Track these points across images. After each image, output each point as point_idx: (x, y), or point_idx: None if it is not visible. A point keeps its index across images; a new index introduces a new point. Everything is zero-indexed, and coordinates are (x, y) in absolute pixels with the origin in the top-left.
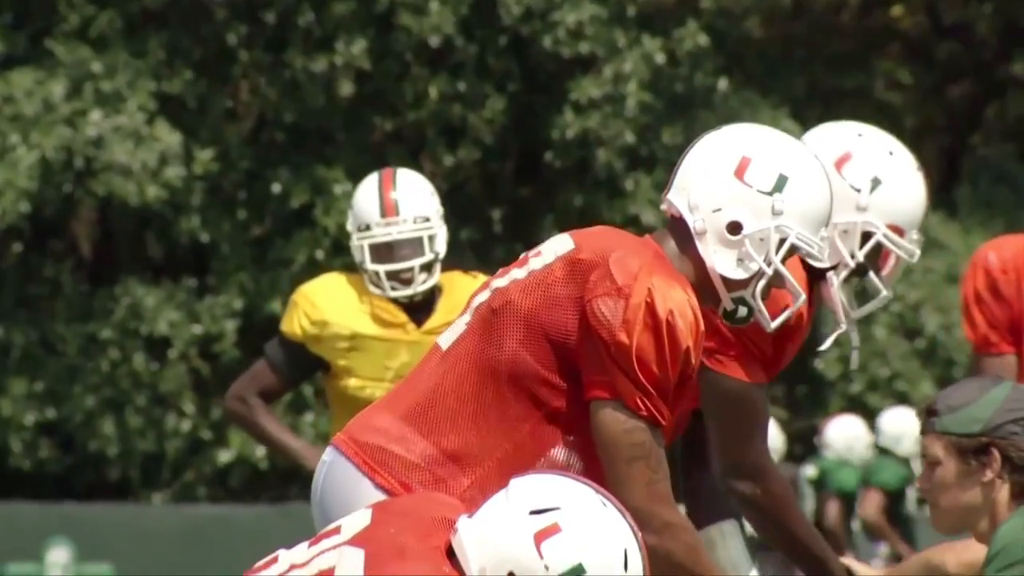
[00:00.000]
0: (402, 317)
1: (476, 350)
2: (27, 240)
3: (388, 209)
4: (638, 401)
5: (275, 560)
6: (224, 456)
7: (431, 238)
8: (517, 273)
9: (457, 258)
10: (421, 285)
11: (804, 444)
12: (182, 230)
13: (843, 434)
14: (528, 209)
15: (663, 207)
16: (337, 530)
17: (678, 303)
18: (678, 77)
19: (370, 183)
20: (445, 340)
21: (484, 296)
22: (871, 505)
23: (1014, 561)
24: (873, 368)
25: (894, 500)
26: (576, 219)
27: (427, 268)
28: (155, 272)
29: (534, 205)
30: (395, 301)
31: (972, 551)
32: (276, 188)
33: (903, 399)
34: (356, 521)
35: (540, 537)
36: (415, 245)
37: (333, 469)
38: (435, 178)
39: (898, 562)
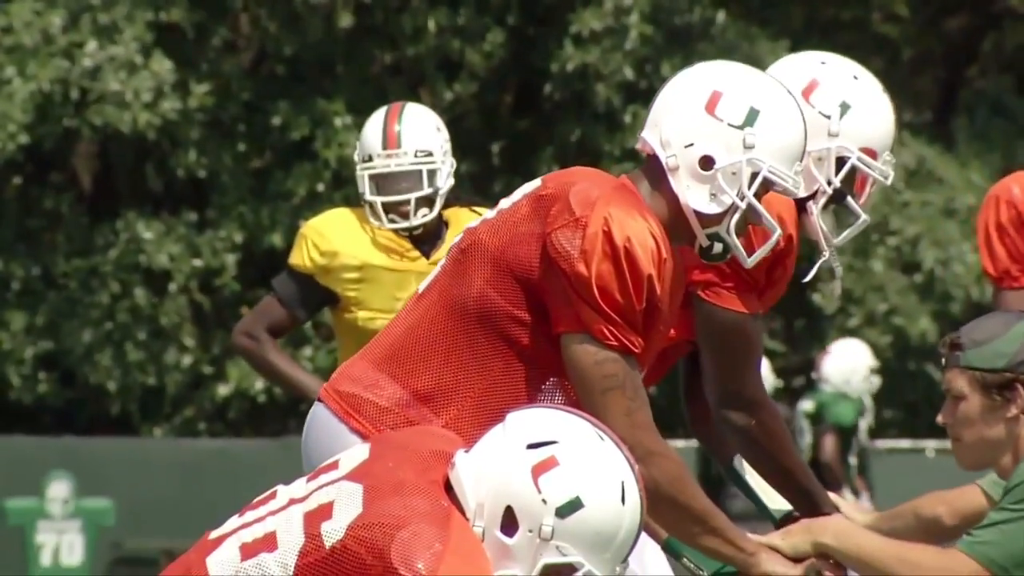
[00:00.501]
0: (411, 248)
1: (446, 291)
2: (27, 173)
3: (390, 141)
4: (605, 331)
5: (274, 495)
6: (223, 390)
7: (431, 172)
8: (488, 214)
9: (458, 190)
10: (419, 219)
11: (804, 377)
12: (180, 163)
13: (841, 366)
14: (527, 142)
15: (638, 145)
16: (335, 465)
17: (637, 231)
18: (677, 10)
19: (378, 115)
20: (422, 284)
21: (458, 238)
22: (829, 446)
23: None
24: (871, 302)
25: (846, 436)
26: (575, 152)
27: (426, 202)
28: (155, 205)
29: (533, 138)
30: (400, 233)
31: (966, 500)
32: (276, 121)
33: (900, 333)
34: (354, 456)
35: (538, 470)
36: (414, 178)
37: (315, 417)
38: (434, 111)
39: (855, 497)
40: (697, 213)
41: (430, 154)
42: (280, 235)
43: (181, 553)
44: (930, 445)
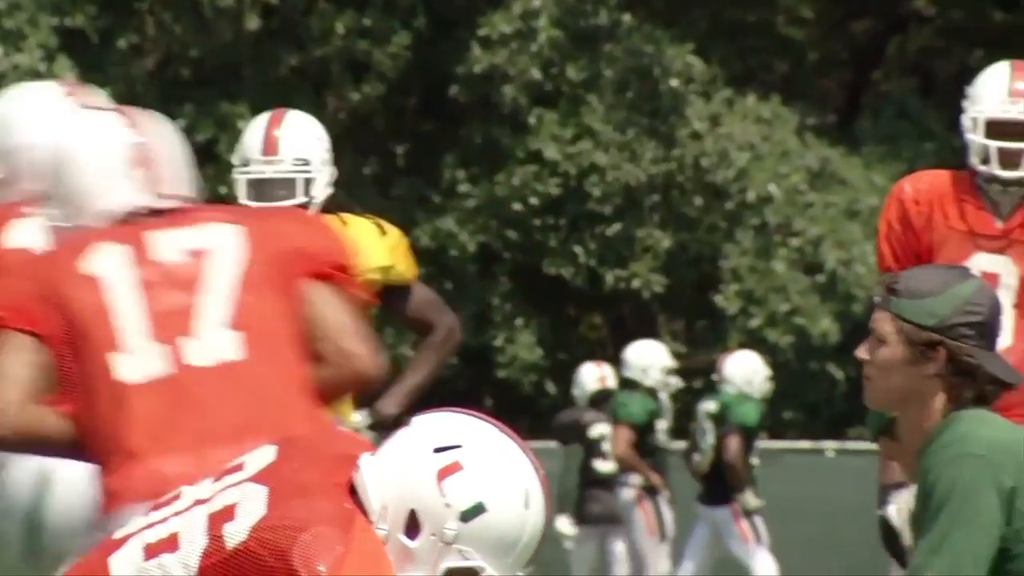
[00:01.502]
0: None
1: None
2: None
3: (269, 147)
4: None
5: (178, 496)
6: None
7: (308, 181)
8: None
9: (361, 192)
10: None
11: (704, 379)
12: None
13: (742, 368)
14: (432, 144)
15: None
16: (240, 467)
17: None
18: (584, 12)
19: (260, 120)
20: None
21: None
22: (621, 441)
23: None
24: (773, 303)
25: (643, 432)
26: (479, 154)
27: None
28: None
29: (438, 140)
30: None
31: None
32: (180, 123)
33: (802, 333)
34: (260, 458)
35: (442, 475)
36: (290, 186)
37: None
38: (340, 113)
39: (651, 492)
40: None
41: (308, 163)
42: None
43: None
44: (829, 445)
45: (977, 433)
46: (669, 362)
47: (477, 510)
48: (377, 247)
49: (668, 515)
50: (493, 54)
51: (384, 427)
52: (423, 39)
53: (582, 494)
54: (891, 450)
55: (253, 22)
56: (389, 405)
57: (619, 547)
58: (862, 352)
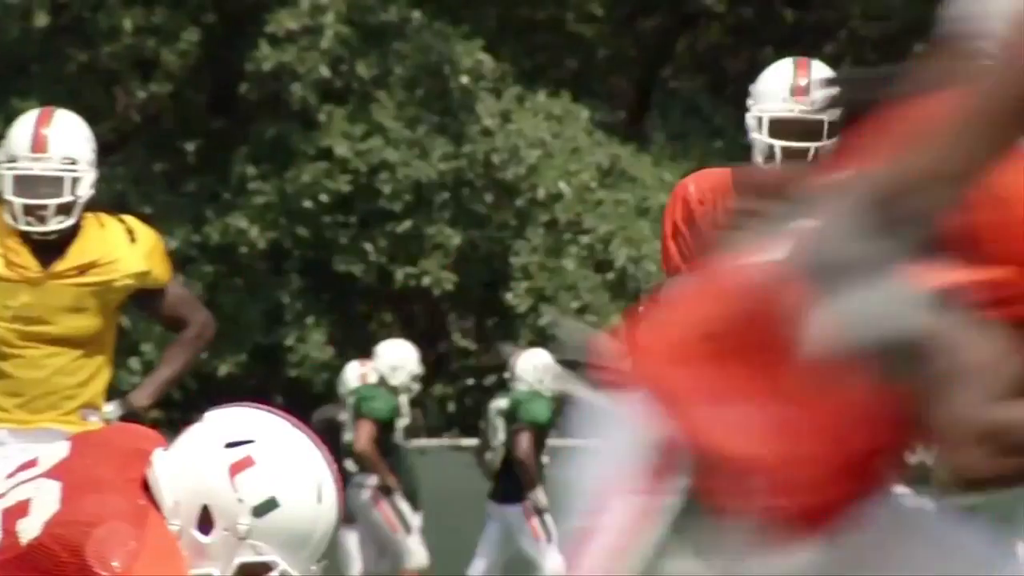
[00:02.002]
0: (28, 258)
1: None
2: None
3: (37, 144)
4: None
5: None
6: None
7: (75, 180)
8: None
9: (151, 189)
10: (56, 224)
11: (497, 375)
12: None
13: (533, 366)
14: (222, 141)
15: None
16: (34, 462)
17: None
18: (372, 9)
19: (28, 117)
20: None
21: None
22: (363, 436)
23: None
24: (563, 300)
25: (384, 430)
26: (269, 151)
27: (64, 209)
28: None
29: (228, 138)
30: (28, 240)
31: None
32: None
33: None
34: (53, 453)
35: (234, 470)
36: (56, 184)
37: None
38: (129, 110)
39: (388, 493)
40: None
41: (75, 162)
42: None
43: None
44: None
45: None
46: (418, 368)
47: (270, 505)
48: (132, 253)
49: (406, 509)
50: (281, 51)
51: (136, 418)
52: (212, 36)
53: None
54: None
55: (42, 19)
56: (141, 397)
57: (352, 543)
58: None
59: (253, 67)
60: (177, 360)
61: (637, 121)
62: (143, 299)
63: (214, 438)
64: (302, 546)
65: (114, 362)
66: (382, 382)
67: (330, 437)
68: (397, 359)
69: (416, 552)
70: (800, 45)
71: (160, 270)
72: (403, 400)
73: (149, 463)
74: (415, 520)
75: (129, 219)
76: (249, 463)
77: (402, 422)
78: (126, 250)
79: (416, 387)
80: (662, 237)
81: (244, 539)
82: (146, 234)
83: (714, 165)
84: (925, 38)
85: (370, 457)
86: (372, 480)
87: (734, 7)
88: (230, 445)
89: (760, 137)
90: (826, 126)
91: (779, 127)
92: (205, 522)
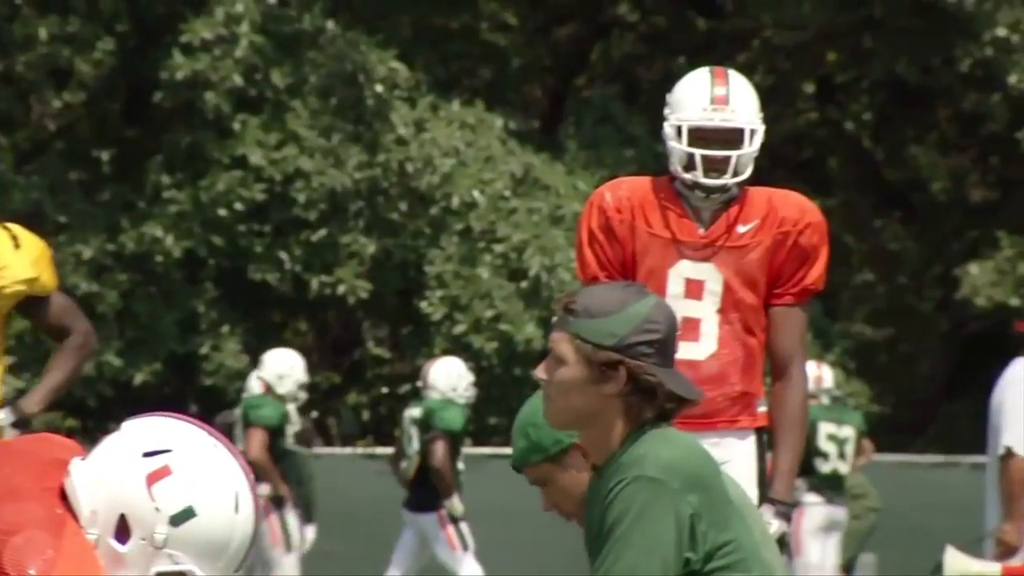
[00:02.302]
0: None
1: None
2: None
3: None
4: None
5: None
6: None
7: None
8: None
9: (67, 198)
10: None
11: (411, 384)
12: None
13: (447, 373)
14: (136, 150)
15: None
16: None
17: None
18: (287, 18)
19: None
20: None
21: None
22: (255, 444)
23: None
24: (478, 309)
25: (274, 437)
26: (184, 160)
27: None
28: None
29: (142, 147)
30: None
31: None
32: None
33: (506, 339)
34: None
35: (152, 479)
36: None
37: None
38: (44, 120)
39: (279, 505)
40: None
41: None
42: None
43: None
44: None
45: (657, 455)
46: (304, 376)
47: (187, 514)
48: (20, 260)
49: (293, 524)
50: (195, 60)
51: (27, 424)
52: (127, 45)
53: None
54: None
55: None
56: (31, 404)
57: None
58: (540, 372)
59: (167, 76)
60: (65, 367)
61: (551, 130)
62: (29, 306)
63: (131, 447)
64: (219, 555)
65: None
66: (269, 390)
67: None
68: (283, 368)
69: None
70: (713, 54)
71: (47, 277)
72: (291, 408)
73: (67, 472)
74: (309, 533)
75: (13, 226)
76: (166, 472)
77: (291, 429)
78: (12, 257)
79: (303, 396)
80: (578, 245)
81: (161, 548)
82: (32, 241)
83: (627, 173)
84: (837, 46)
85: (263, 465)
86: (264, 489)
87: (647, 16)
88: (147, 454)
89: (680, 146)
90: (747, 134)
91: (699, 136)
92: (122, 531)
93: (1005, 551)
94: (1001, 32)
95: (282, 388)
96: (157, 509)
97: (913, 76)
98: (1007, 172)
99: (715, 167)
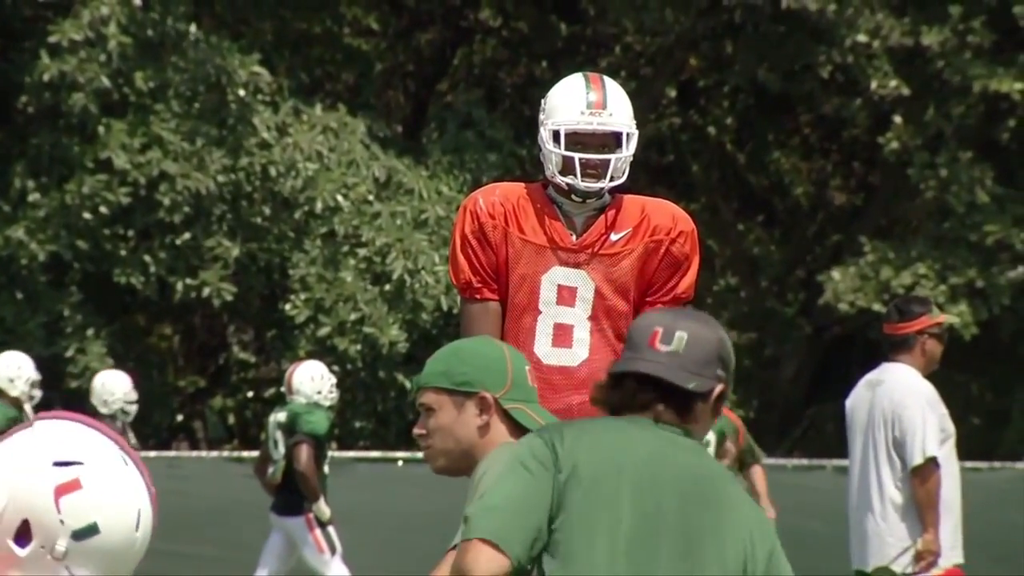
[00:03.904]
0: None
1: None
2: None
3: None
4: None
5: None
6: None
7: None
8: None
9: None
10: None
11: (276, 387)
12: None
13: (311, 377)
14: (0, 153)
15: None
16: None
17: None
18: (151, 22)
19: None
20: None
21: None
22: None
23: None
24: (342, 312)
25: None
26: (48, 163)
27: None
28: None
29: (6, 150)
30: None
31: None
32: None
33: (371, 342)
34: None
35: (60, 491)
36: None
37: None
38: None
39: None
40: None
41: None
42: None
43: None
44: (399, 455)
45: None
46: (35, 374)
47: (91, 531)
48: None
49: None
50: (62, 61)
51: None
52: None
53: None
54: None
55: None
56: None
57: None
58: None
59: (32, 79)
60: None
61: (413, 134)
62: None
63: (43, 453)
64: (114, 571)
65: None
66: (2, 394)
67: None
68: (11, 370)
69: None
70: (575, 59)
71: None
72: (28, 409)
73: None
74: None
75: None
76: (76, 487)
77: None
78: None
79: (38, 393)
80: (451, 250)
81: (60, 560)
82: None
83: (490, 177)
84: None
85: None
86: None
87: (509, 21)
88: (58, 464)
89: (558, 150)
90: (623, 138)
91: (576, 140)
92: (23, 535)
93: (931, 560)
94: (861, 38)
95: (15, 391)
96: (62, 522)
97: (774, 82)
98: (869, 177)
99: (593, 171)
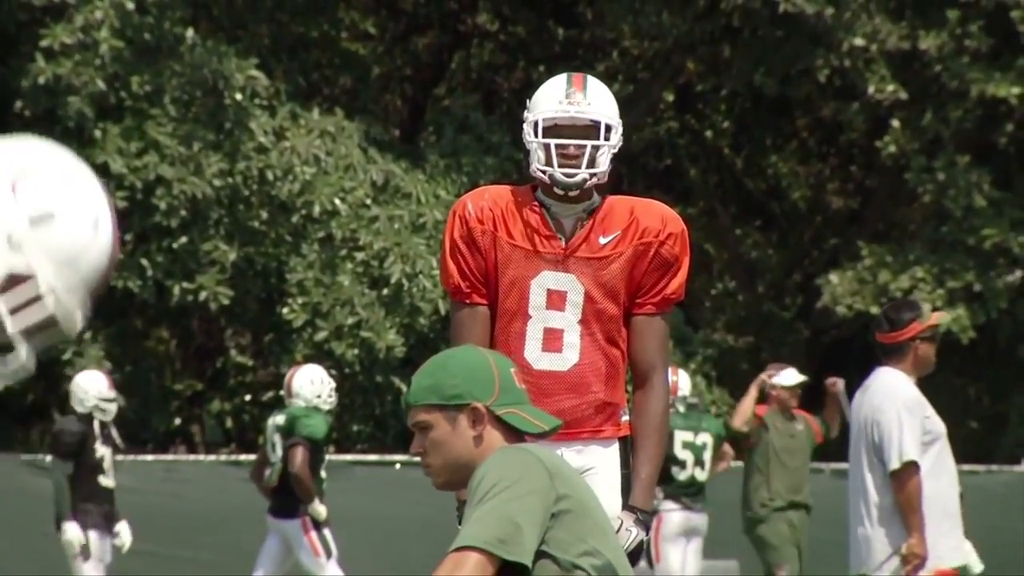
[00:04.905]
0: None
1: None
2: None
3: None
4: None
5: None
6: None
7: None
8: None
9: None
10: None
11: (275, 391)
12: None
13: (310, 381)
14: None
15: None
16: None
17: None
18: (146, 26)
19: None
20: None
21: None
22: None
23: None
24: (339, 316)
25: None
26: None
27: None
28: None
29: None
30: None
31: None
32: None
33: (368, 347)
34: None
35: (18, 178)
36: None
37: None
38: None
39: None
40: None
41: None
42: None
43: None
44: (397, 458)
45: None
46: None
47: (46, 218)
48: None
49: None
50: (57, 64)
51: None
52: None
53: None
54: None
55: None
56: None
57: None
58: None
59: (28, 83)
60: None
61: (411, 138)
62: None
63: (2, 152)
64: (72, 265)
65: None
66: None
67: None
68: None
69: None
70: (573, 63)
71: None
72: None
73: None
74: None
75: None
76: (33, 175)
77: None
78: None
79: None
80: (441, 255)
81: (17, 247)
82: None
83: (488, 181)
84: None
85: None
86: None
87: (506, 26)
88: (16, 158)
89: (536, 140)
90: (602, 127)
91: (553, 129)
92: None
93: (917, 564)
94: (859, 42)
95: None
96: (18, 207)
97: (771, 86)
98: (866, 181)
99: (569, 159)
